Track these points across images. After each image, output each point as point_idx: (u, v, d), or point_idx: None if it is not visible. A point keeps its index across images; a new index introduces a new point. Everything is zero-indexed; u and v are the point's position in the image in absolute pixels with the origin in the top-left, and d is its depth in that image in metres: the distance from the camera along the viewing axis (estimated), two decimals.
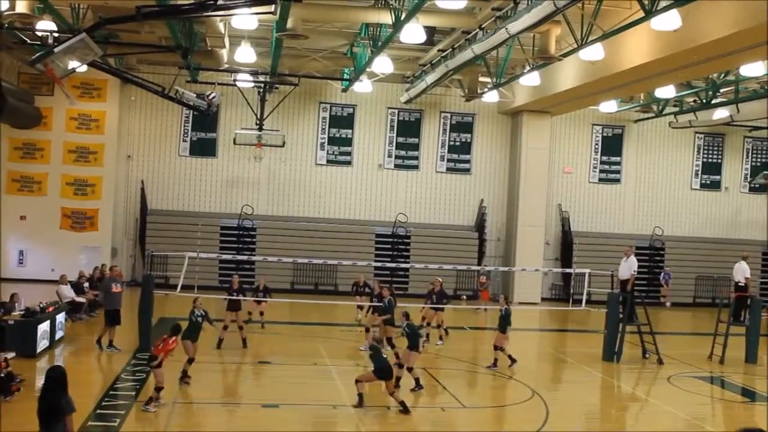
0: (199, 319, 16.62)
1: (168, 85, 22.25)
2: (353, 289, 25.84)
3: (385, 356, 14.79)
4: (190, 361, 16.03)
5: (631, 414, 16.96)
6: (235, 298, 20.49)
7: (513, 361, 19.29)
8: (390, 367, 14.65)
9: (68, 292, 23.02)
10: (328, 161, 34.27)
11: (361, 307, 24.52)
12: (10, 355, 15.96)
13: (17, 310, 18.86)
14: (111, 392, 15.11)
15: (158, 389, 14.03)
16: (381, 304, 19.86)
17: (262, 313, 23.02)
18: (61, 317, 19.81)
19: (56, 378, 8.53)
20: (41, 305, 18.97)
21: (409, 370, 16.14)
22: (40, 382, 16.16)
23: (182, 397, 15.20)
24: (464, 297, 30.55)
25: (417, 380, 16.25)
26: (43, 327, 18.22)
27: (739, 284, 22.38)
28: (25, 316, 18.02)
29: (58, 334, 19.45)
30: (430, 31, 23.40)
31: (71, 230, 31.57)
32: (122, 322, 19.55)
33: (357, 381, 14.77)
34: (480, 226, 34.78)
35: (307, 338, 21.41)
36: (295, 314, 27.03)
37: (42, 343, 18.10)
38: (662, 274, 34.76)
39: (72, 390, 8.65)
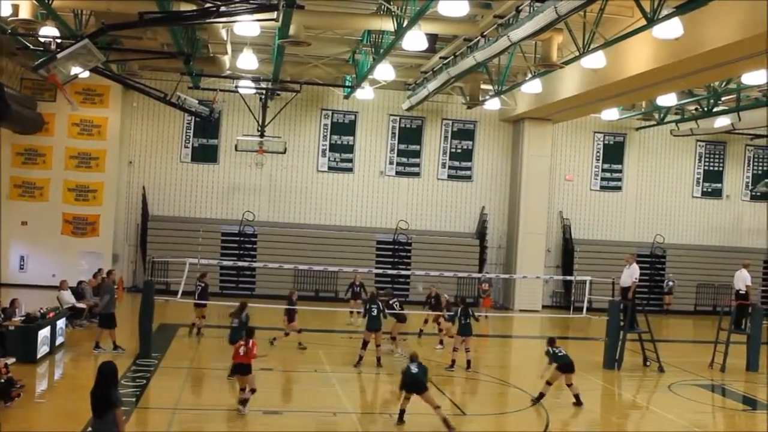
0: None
1: (170, 91, 22.29)
2: (350, 291, 26.08)
3: (416, 368, 14.09)
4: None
5: (632, 422, 16.93)
6: (293, 307, 21.65)
7: (451, 365, 19.60)
8: (422, 379, 13.97)
9: (69, 298, 23.00)
10: (330, 168, 34.29)
11: (352, 312, 24.92)
12: (11, 360, 15.95)
13: (18, 315, 18.87)
14: None
15: (253, 391, 14.37)
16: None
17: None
18: (61, 323, 19.80)
19: (108, 372, 9.16)
20: (42, 311, 18.98)
21: (569, 386, 16.36)
22: (40, 387, 16.24)
23: (184, 404, 15.18)
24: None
25: (577, 396, 16.37)
26: (44, 333, 18.21)
27: (740, 292, 22.34)
28: (26, 322, 18.02)
29: (59, 340, 19.43)
30: (432, 38, 23.44)
31: (72, 236, 31.60)
32: (123, 328, 19.61)
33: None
34: (481, 233, 34.78)
35: (308, 345, 21.36)
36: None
37: (42, 349, 18.09)
38: (666, 281, 34.68)
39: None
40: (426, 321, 24.48)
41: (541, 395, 16.32)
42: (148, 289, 20.02)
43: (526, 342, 27.31)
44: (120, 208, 32.75)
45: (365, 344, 19.47)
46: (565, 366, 16.27)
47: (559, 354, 16.43)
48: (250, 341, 14.53)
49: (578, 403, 16.30)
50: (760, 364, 21.79)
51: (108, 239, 31.89)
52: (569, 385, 16.39)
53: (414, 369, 13.96)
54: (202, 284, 22.72)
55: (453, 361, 19.67)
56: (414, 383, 13.89)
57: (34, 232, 31.08)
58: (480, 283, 31.56)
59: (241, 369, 14.43)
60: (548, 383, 16.37)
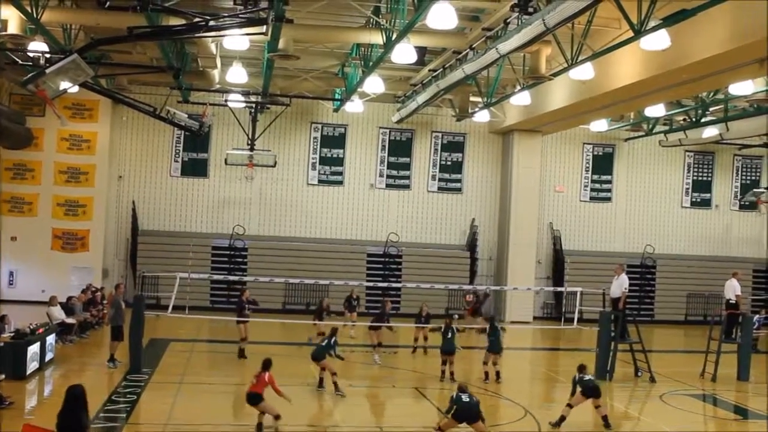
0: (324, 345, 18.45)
1: (159, 105, 22.26)
2: (346, 303, 25.97)
3: (467, 398, 13.78)
4: (333, 374, 17.74)
5: None
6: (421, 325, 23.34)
7: (485, 378, 20.04)
8: (476, 409, 13.72)
9: (59, 314, 22.89)
10: (320, 181, 34.29)
11: (347, 325, 24.88)
12: (0, 377, 15.85)
13: (7, 331, 18.76)
14: (102, 414, 14.99)
15: (277, 417, 14.20)
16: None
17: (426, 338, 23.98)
18: (51, 339, 19.69)
19: (77, 396, 8.88)
20: (31, 327, 18.86)
21: (597, 408, 15.91)
22: (30, 404, 16.12)
23: (175, 419, 15.10)
24: (456, 316, 30.41)
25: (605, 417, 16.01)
26: (33, 349, 18.11)
27: (730, 301, 22.43)
28: (15, 338, 17.91)
29: (48, 356, 19.33)
30: (421, 51, 23.52)
31: (62, 251, 31.45)
32: None
33: (439, 429, 13.92)
34: (471, 245, 34.80)
35: (299, 358, 21.28)
36: (286, 334, 26.90)
37: (32, 365, 17.98)
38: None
39: None
40: (416, 339, 24.25)
41: (562, 418, 15.75)
42: (138, 303, 19.95)
43: (518, 354, 27.27)
44: (110, 223, 32.63)
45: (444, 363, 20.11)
46: (588, 390, 15.77)
47: (584, 379, 15.92)
48: (263, 374, 14.28)
49: (607, 425, 15.69)
50: (750, 374, 21.84)
51: (98, 254, 31.75)
52: (597, 407, 15.86)
53: (466, 398, 13.69)
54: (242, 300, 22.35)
55: (486, 374, 20.05)
56: (468, 411, 13.62)
57: (24, 247, 30.88)
58: (465, 295, 31.49)
59: (252, 399, 14.23)
60: (569, 405, 15.85)
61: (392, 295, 32.24)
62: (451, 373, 19.86)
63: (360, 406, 17.97)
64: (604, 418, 15.76)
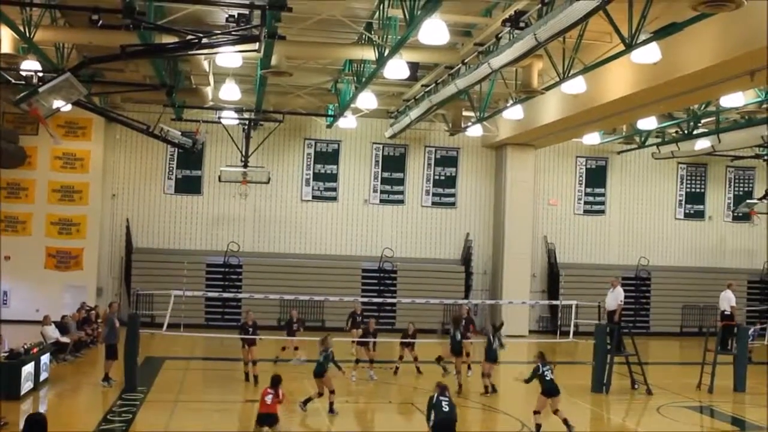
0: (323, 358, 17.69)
1: (153, 123, 22.26)
2: (350, 321, 25.63)
3: (447, 407, 12.71)
4: (332, 392, 17.41)
5: None
6: (409, 341, 23.06)
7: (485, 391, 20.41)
8: (453, 420, 12.66)
9: (53, 333, 22.80)
10: (314, 197, 34.29)
11: (357, 342, 24.63)
12: None
13: (1, 351, 18.67)
14: None
15: None
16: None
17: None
18: (45, 358, 19.62)
19: (37, 424, 8.39)
20: (25, 346, 18.78)
21: (555, 412, 15.81)
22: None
23: None
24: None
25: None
26: (28, 368, 18.03)
27: (725, 313, 22.45)
28: (9, 358, 17.84)
29: (43, 376, 19.24)
30: (414, 66, 23.57)
31: (56, 270, 31.33)
32: None
33: None
34: (466, 259, 34.79)
35: (295, 375, 21.22)
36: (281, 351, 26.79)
37: (26, 385, 17.91)
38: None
39: None
40: (401, 357, 23.99)
41: (538, 426, 15.65)
42: (132, 322, 19.87)
43: (513, 368, 27.19)
44: (104, 241, 32.54)
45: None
46: (548, 390, 15.72)
47: (546, 378, 15.87)
48: (279, 390, 13.87)
49: (568, 428, 15.81)
50: (746, 384, 21.83)
51: (92, 272, 31.64)
52: (555, 412, 15.79)
53: (446, 407, 12.67)
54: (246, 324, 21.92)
55: (486, 387, 20.38)
56: (447, 422, 12.59)
57: (17, 266, 30.74)
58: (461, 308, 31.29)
59: (267, 419, 13.74)
60: (536, 412, 15.75)
61: (387, 311, 32.25)
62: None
63: (357, 423, 17.92)
64: (565, 421, 15.59)
